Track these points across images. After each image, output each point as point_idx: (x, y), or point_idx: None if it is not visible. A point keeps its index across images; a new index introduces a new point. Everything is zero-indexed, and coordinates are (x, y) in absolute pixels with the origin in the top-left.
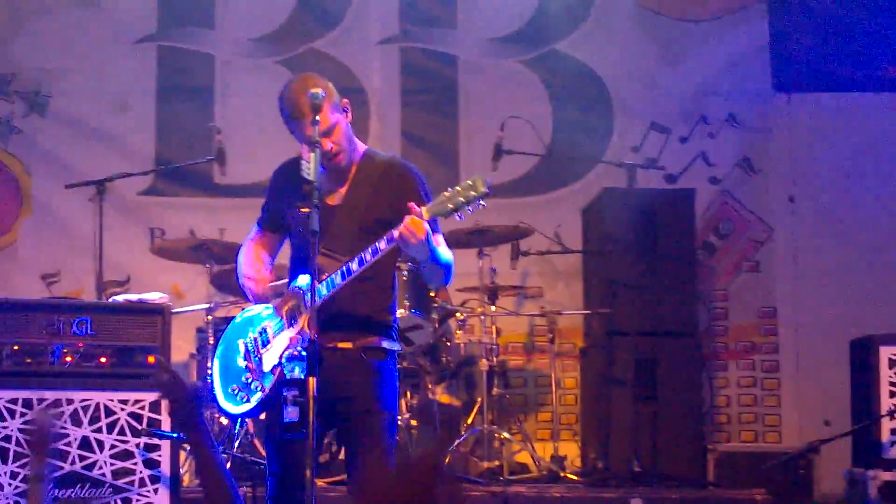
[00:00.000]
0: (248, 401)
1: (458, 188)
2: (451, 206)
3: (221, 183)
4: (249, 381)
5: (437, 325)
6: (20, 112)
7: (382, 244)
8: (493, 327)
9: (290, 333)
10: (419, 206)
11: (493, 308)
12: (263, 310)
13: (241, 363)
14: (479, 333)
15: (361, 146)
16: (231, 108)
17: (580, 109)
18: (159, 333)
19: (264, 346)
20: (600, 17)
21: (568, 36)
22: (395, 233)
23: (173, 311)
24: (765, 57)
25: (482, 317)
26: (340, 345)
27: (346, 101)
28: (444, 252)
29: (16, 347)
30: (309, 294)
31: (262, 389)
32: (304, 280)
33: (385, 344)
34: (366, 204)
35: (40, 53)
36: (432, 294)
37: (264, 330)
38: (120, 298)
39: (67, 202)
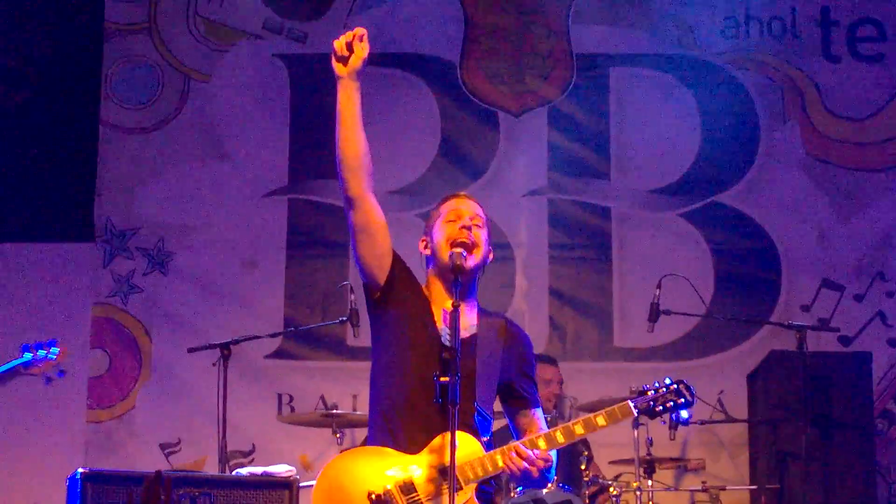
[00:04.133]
0: None
1: (664, 389)
2: (657, 407)
3: (354, 345)
4: None
5: (588, 502)
6: (141, 269)
7: (601, 421)
8: (650, 503)
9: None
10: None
11: (649, 482)
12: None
13: None
14: None
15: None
16: None
17: (744, 265)
18: None
19: None
20: (765, 167)
21: (731, 187)
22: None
23: (301, 485)
24: None
25: (638, 492)
26: None
27: (490, 248)
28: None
29: None
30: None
31: None
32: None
33: None
34: (500, 359)
35: (164, 207)
36: (583, 467)
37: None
38: (244, 471)
39: (190, 366)
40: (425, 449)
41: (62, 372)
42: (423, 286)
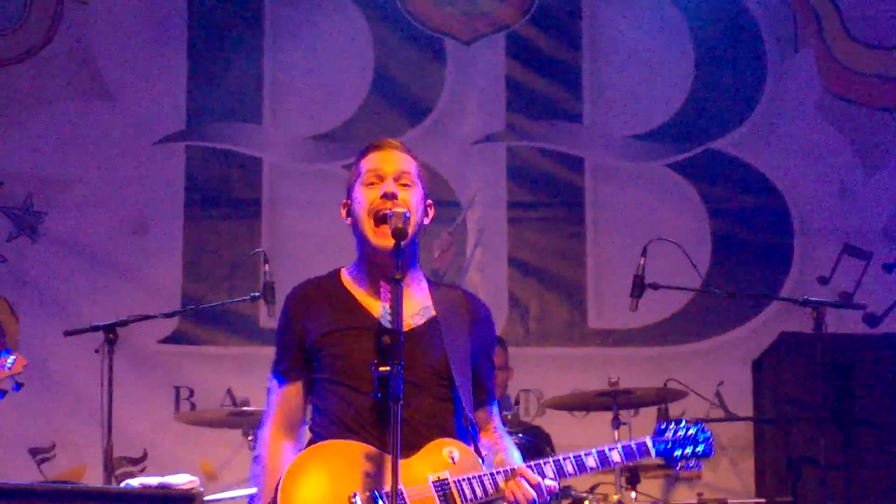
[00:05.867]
0: None
1: (683, 431)
2: (676, 453)
3: (268, 327)
4: None
5: None
6: (4, 234)
7: (616, 457)
8: None
9: None
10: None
11: (633, 495)
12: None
13: None
14: None
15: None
16: (283, 229)
17: (748, 229)
18: None
19: None
20: (773, 106)
21: (730, 132)
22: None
23: (207, 498)
24: None
25: None
26: None
27: (430, 201)
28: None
29: None
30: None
31: None
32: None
33: None
34: (469, 343)
35: (32, 157)
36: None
37: None
38: (135, 483)
39: (66, 353)
40: (418, 453)
41: (19, 385)
42: (343, 272)
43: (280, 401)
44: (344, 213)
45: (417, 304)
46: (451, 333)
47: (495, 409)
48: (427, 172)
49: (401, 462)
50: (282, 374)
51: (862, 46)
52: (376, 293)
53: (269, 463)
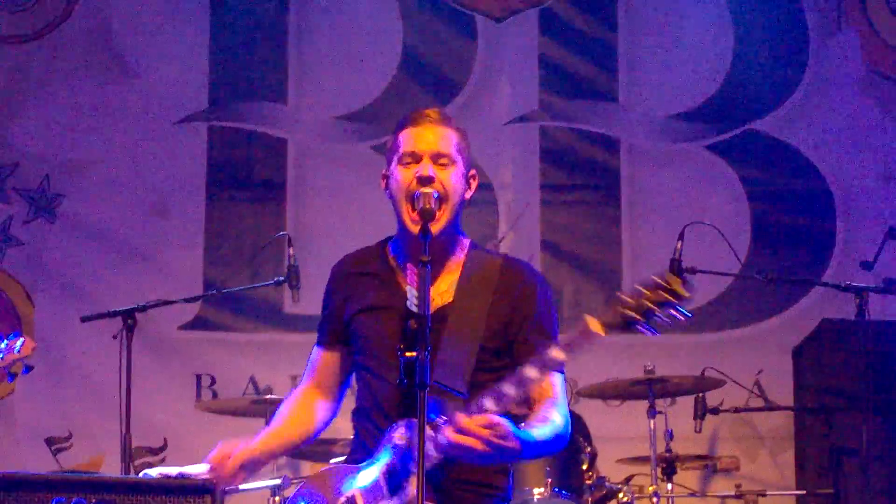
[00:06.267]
0: None
1: (643, 289)
2: (635, 315)
3: (294, 313)
4: None
5: None
6: (21, 217)
7: (555, 353)
8: None
9: None
10: (587, 319)
11: (668, 486)
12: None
13: None
14: None
15: (466, 238)
16: (308, 212)
17: (789, 212)
18: None
19: None
20: (815, 86)
21: (771, 112)
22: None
23: (225, 489)
24: None
25: (654, 498)
26: None
27: (473, 171)
28: (542, 427)
29: None
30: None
31: None
32: (401, 435)
33: None
34: (487, 314)
35: (50, 138)
36: (584, 467)
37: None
38: (153, 472)
39: (83, 340)
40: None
41: (28, 367)
42: (389, 245)
43: (316, 365)
44: (383, 184)
45: (447, 281)
46: (462, 308)
47: (556, 380)
48: (467, 143)
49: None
50: (320, 342)
51: None
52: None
53: (289, 403)
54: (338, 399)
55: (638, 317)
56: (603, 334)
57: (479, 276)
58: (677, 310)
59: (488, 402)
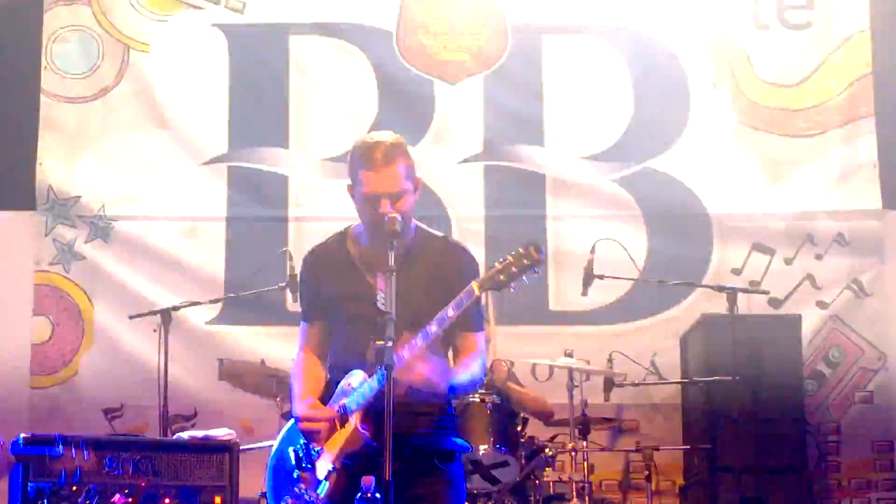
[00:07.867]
0: None
1: (509, 257)
2: (503, 277)
3: (293, 310)
4: (303, 490)
5: (524, 463)
6: (83, 238)
7: (451, 311)
8: (585, 464)
9: (344, 433)
10: (472, 283)
11: (584, 443)
12: None
13: (294, 473)
14: (569, 471)
15: (413, 222)
16: (306, 232)
17: (676, 230)
18: (227, 472)
19: (318, 454)
20: (697, 133)
21: (663, 153)
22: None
23: (242, 448)
24: (874, 173)
25: (573, 453)
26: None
27: (418, 179)
28: (464, 373)
29: (74, 488)
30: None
31: (317, 500)
32: (356, 378)
33: (455, 443)
34: (422, 295)
35: (105, 176)
36: (519, 428)
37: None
38: (185, 435)
39: (131, 333)
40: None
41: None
42: (350, 233)
43: (307, 336)
44: (349, 191)
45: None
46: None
47: (477, 337)
48: (411, 159)
49: None
50: (304, 318)
51: (768, 85)
52: (375, 260)
53: (302, 364)
54: (327, 357)
55: (505, 279)
56: (477, 293)
57: (421, 259)
58: (534, 270)
59: (433, 327)
